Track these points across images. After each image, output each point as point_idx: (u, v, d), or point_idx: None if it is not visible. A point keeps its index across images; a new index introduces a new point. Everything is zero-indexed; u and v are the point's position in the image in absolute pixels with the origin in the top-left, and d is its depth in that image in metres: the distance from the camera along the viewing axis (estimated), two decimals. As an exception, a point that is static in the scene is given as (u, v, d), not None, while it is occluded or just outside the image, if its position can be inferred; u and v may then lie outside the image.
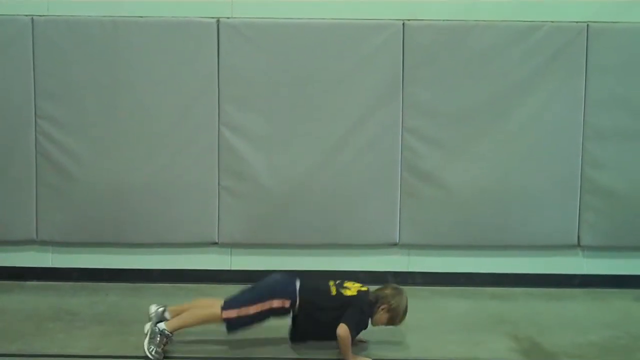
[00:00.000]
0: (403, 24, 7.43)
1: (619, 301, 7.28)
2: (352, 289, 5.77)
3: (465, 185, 7.55)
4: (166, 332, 5.59)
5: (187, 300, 7.01)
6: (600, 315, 6.88)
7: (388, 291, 5.79)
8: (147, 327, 5.66)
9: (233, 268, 7.70)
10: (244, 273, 7.60)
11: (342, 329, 5.48)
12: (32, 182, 7.50)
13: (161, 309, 5.78)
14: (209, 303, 5.81)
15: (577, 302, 7.27)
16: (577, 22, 7.47)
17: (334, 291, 5.74)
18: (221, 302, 5.67)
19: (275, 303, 5.62)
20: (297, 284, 5.74)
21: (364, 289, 5.81)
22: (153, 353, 5.52)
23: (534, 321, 6.64)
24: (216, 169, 7.52)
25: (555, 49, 7.46)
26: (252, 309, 5.59)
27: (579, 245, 7.68)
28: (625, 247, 7.72)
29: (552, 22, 7.45)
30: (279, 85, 7.46)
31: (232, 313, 5.59)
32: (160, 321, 5.67)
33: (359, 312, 5.63)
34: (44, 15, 7.40)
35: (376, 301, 5.73)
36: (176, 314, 5.78)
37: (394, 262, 7.67)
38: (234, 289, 7.33)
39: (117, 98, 7.45)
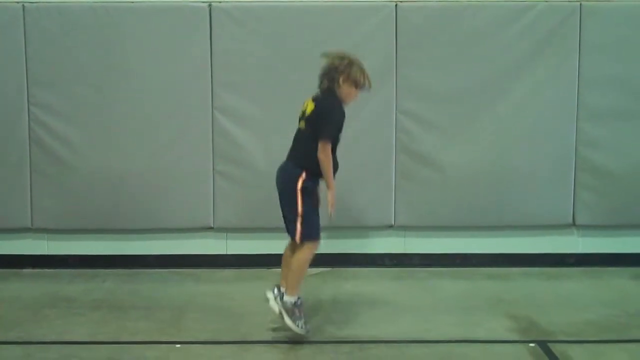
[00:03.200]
0: (396, 5, 7.42)
1: (615, 279, 7.31)
2: (309, 106, 5.66)
3: (460, 166, 7.55)
4: (297, 301, 5.55)
5: (184, 286, 7.07)
6: (597, 293, 6.90)
7: (335, 62, 5.64)
8: (274, 306, 5.56)
9: (229, 252, 7.71)
10: (240, 257, 7.64)
11: (319, 149, 5.47)
12: (26, 169, 7.48)
13: (277, 292, 5.64)
14: (287, 254, 5.81)
15: (574, 281, 7.30)
16: (569, 0, 7.46)
17: (302, 125, 5.66)
18: (291, 243, 5.68)
19: (299, 183, 5.56)
20: (288, 160, 5.73)
21: (316, 96, 5.70)
22: (302, 327, 5.51)
23: (531, 301, 6.66)
24: (211, 153, 7.51)
25: (548, 28, 7.45)
26: (300, 207, 5.53)
27: (574, 224, 7.69)
28: (620, 226, 7.75)
29: (545, 1, 7.45)
30: (272, 69, 7.44)
31: (299, 226, 5.54)
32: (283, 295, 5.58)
33: (322, 113, 5.55)
34: (35, 2, 7.36)
35: (332, 84, 5.62)
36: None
37: (390, 244, 7.68)
38: (230, 274, 7.43)
39: (110, 84, 7.43)
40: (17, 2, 7.34)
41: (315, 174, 5.59)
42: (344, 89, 5.65)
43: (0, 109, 7.43)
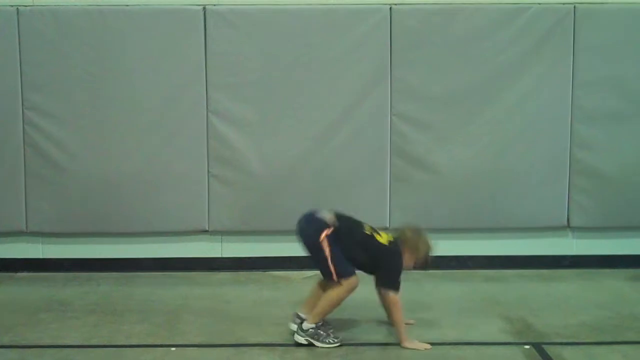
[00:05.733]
0: (390, 8, 7.42)
1: (609, 281, 7.32)
2: (383, 237, 5.72)
3: (454, 168, 7.56)
4: (318, 324, 5.57)
5: (179, 289, 7.07)
6: (591, 295, 6.91)
7: (408, 234, 5.74)
8: (302, 339, 5.55)
9: (224, 255, 7.71)
10: (235, 260, 7.64)
11: (392, 299, 5.57)
12: (20, 173, 7.48)
13: (298, 321, 5.68)
14: (324, 287, 5.75)
15: (568, 283, 7.31)
16: (564, 3, 7.47)
17: (368, 230, 5.71)
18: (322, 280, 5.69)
19: (322, 235, 5.55)
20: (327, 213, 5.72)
21: (392, 239, 5.75)
22: (331, 341, 5.54)
23: (526, 302, 6.66)
24: (205, 156, 7.51)
25: (542, 30, 7.46)
26: (327, 251, 5.52)
27: (568, 226, 7.71)
28: (614, 228, 7.76)
29: (539, 3, 7.46)
30: (267, 72, 7.45)
31: (333, 271, 5.51)
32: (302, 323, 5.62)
33: (395, 267, 5.62)
34: (29, 6, 7.36)
35: (403, 245, 5.70)
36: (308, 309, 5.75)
37: (385, 246, 7.66)
38: (225, 277, 7.43)
39: (104, 87, 7.43)
40: (12, 6, 7.34)
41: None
42: (406, 259, 5.70)
43: (-5, 113, 7.44)
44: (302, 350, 5.51)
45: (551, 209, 7.65)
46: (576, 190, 7.63)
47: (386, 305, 5.74)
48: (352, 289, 5.59)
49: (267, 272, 7.53)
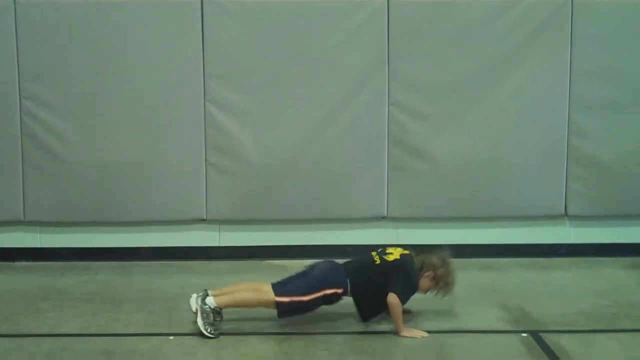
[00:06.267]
0: (387, -3, 7.43)
1: (607, 269, 7.33)
2: (394, 253, 5.79)
3: (452, 157, 7.56)
4: (217, 308, 5.54)
5: (177, 278, 7.08)
6: (588, 283, 6.92)
7: (434, 260, 5.80)
8: (194, 305, 5.54)
9: (222, 244, 7.71)
10: (232, 249, 7.65)
11: (392, 297, 5.55)
12: (18, 163, 7.47)
13: (203, 294, 5.62)
14: (256, 286, 5.74)
15: (565, 271, 7.32)
16: (561, -8, 7.48)
17: (377, 260, 5.76)
18: (269, 287, 5.62)
19: (329, 291, 5.61)
20: (344, 269, 5.77)
21: (406, 252, 5.83)
22: (210, 332, 5.49)
23: (523, 291, 6.68)
24: (203, 146, 7.50)
25: (539, 20, 7.45)
26: (306, 298, 5.57)
27: (566, 214, 7.72)
28: (611, 216, 7.77)
29: (537, -7, 7.47)
30: (264, 62, 7.44)
31: (285, 299, 5.55)
32: (206, 297, 5.59)
33: (405, 275, 5.66)
34: (26, -5, 7.36)
35: (421, 267, 5.76)
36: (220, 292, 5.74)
37: (382, 235, 7.68)
38: (223, 266, 7.43)
39: (102, 77, 7.41)
40: (9, -5, 7.34)
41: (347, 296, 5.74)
42: (423, 281, 5.80)
43: (-7, 103, 7.43)
44: (300, 338, 5.52)
45: (548, 198, 7.66)
46: (573, 178, 7.64)
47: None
48: (266, 305, 5.61)
49: (264, 261, 7.53)
